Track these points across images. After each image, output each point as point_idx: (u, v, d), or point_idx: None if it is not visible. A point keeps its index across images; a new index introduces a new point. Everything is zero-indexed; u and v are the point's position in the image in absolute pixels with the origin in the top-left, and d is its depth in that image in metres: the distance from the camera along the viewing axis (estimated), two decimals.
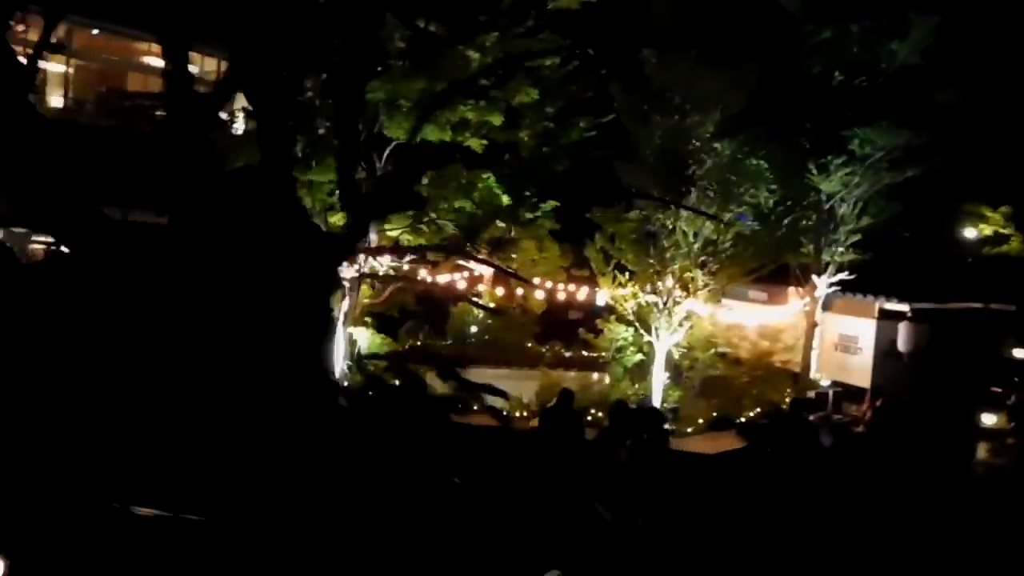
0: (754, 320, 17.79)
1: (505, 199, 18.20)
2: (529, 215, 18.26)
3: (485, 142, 13.56)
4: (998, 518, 12.44)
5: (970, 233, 22.42)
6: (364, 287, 14.14)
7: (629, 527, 9.47)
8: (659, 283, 12.46)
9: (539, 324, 18.79)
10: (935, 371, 16.06)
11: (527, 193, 18.55)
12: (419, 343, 18.39)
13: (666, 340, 12.81)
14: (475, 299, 18.51)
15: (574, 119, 18.53)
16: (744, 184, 13.53)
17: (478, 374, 16.41)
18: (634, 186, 12.60)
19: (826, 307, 16.93)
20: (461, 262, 17.88)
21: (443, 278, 16.44)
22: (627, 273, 12.95)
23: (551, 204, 17.91)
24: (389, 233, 13.77)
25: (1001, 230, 21.97)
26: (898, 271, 18.45)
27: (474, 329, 19.00)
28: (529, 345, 18.57)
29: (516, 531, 8.22)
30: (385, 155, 13.04)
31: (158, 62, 16.56)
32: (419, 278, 15.85)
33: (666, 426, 11.99)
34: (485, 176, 17.69)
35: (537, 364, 16.42)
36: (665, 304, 12.61)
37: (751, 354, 16.34)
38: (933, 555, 10.57)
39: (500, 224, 14.63)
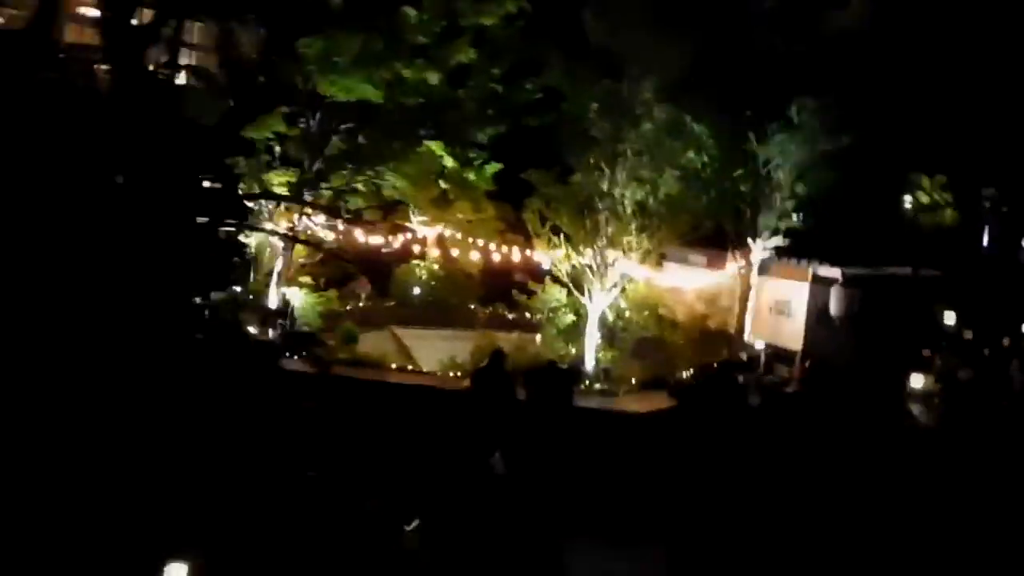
0: (693, 284, 18.08)
1: (449, 161, 18.16)
2: (473, 177, 18.23)
3: (423, 100, 13.40)
4: (920, 476, 12.96)
5: (908, 202, 22.89)
6: (299, 247, 14.01)
7: (521, 479, 9.73)
8: (593, 245, 12.54)
9: (483, 286, 18.84)
10: (865, 335, 16.48)
11: (472, 155, 18.52)
12: (361, 304, 18.38)
13: (599, 302, 12.95)
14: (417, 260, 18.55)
15: (520, 81, 18.45)
16: (681, 149, 13.66)
17: (419, 335, 16.56)
18: (569, 150, 12.62)
19: (763, 272, 17.21)
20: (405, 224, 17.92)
21: (382, 239, 16.37)
22: (562, 235, 13.02)
23: (495, 167, 17.87)
24: (325, 192, 13.62)
25: (936, 198, 22.47)
26: (836, 237, 18.83)
27: (418, 291, 18.98)
28: (472, 307, 18.65)
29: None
30: (318, 114, 12.84)
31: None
32: (358, 239, 15.75)
33: (579, 385, 12.23)
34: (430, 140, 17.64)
35: (477, 326, 16.50)
36: (598, 266, 12.72)
37: (687, 317, 16.61)
38: (851, 508, 10.99)
39: (442, 185, 14.50)
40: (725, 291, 17.28)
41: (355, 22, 12.12)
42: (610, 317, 13.80)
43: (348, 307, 17.60)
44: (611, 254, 12.71)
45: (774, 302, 17.18)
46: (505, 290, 18.86)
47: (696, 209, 13.07)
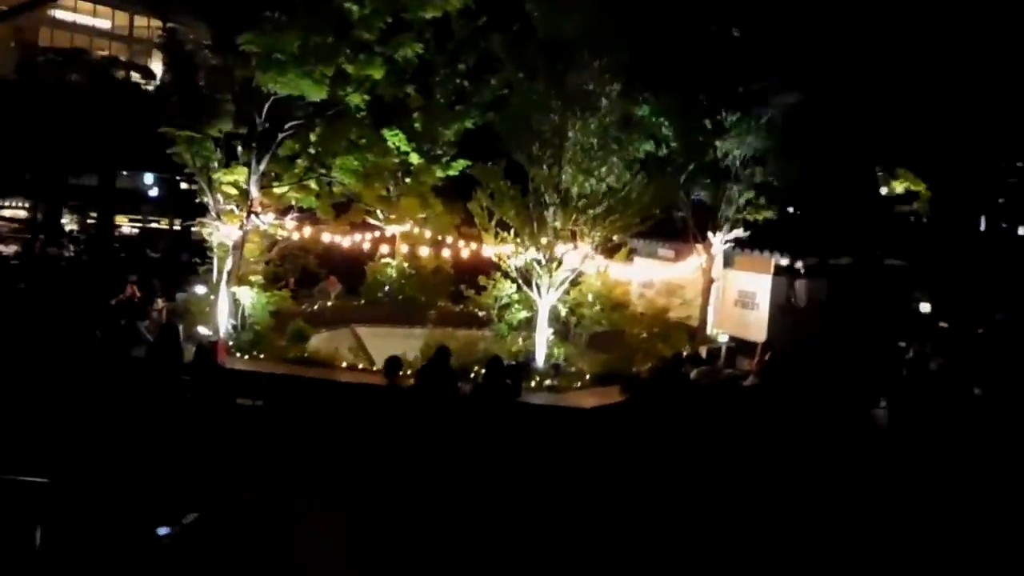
0: (660, 277, 17.99)
1: (415, 158, 18.09)
2: (442, 173, 18.15)
3: (368, 97, 13.32)
4: (875, 468, 12.86)
5: (883, 190, 22.78)
6: (252, 246, 13.97)
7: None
8: (540, 239, 12.44)
9: (453, 283, 18.75)
10: (831, 325, 16.36)
11: (439, 152, 18.44)
12: (330, 303, 18.33)
13: (549, 296, 12.86)
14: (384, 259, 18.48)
15: (486, 76, 18.37)
16: (635, 140, 13.54)
17: (378, 333, 16.50)
18: (515, 143, 12.53)
19: (727, 264, 17.12)
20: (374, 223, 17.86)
21: (346, 237, 16.31)
22: (511, 230, 12.93)
23: (463, 164, 17.79)
24: (276, 191, 13.56)
25: (912, 187, 22.34)
26: (804, 228, 18.69)
27: (388, 289, 18.91)
28: (441, 304, 18.56)
29: None
30: (265, 110, 12.77)
31: None
32: (321, 238, 15.68)
33: (528, 381, 12.14)
34: (392, 134, 17.56)
35: (439, 323, 16.43)
36: (547, 260, 12.62)
37: (648, 309, 16.53)
38: (797, 502, 10.89)
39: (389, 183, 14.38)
40: (690, 283, 17.19)
41: (294, 18, 11.99)
42: (563, 312, 13.71)
43: (315, 307, 17.57)
44: (560, 248, 12.59)
45: (738, 294, 17.10)
46: (474, 287, 18.82)
47: (650, 201, 12.89)
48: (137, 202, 38.33)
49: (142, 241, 34.66)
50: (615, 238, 13.61)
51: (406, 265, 18.53)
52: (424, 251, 15.65)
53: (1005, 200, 25.12)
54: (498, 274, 13.84)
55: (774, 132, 15.15)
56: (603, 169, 12.12)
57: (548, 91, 12.38)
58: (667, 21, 14.92)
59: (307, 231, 13.89)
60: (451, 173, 17.97)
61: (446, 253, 15.10)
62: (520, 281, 13.12)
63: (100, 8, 51.35)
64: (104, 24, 51.98)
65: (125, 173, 34.72)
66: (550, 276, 12.69)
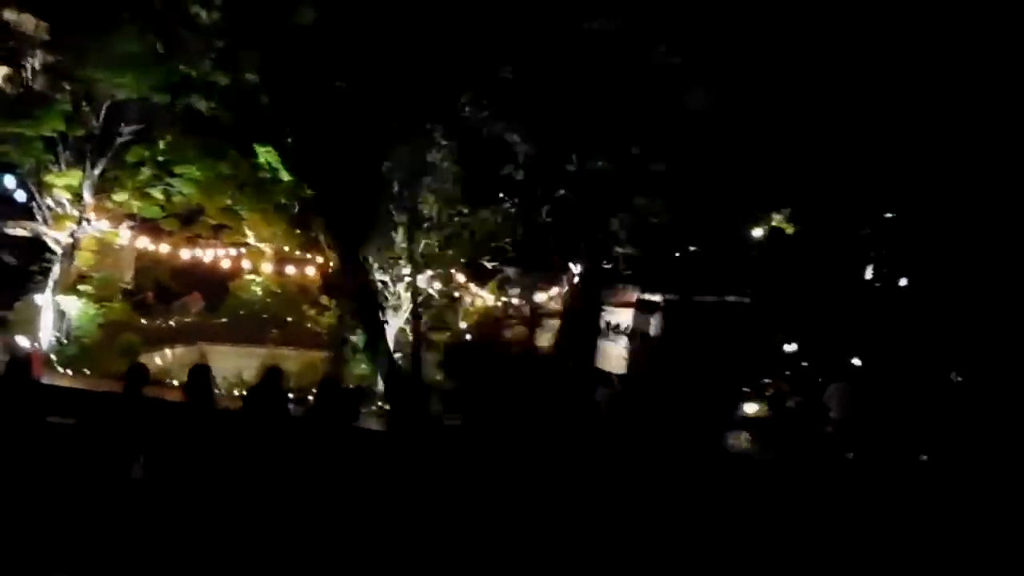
0: (531, 305, 17.94)
1: (286, 175, 17.57)
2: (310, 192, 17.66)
3: (213, 104, 12.83)
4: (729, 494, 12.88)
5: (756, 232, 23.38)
6: (87, 254, 13.22)
7: None
8: (382, 262, 12.17)
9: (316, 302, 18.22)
10: (688, 361, 16.53)
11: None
12: (189, 319, 17.60)
13: (395, 320, 12.56)
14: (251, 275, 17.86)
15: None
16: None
17: (226, 352, 15.86)
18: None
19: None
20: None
21: (207, 252, 15.69)
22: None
23: None
24: (116, 197, 12.90)
25: (785, 229, 22.97)
26: (672, 264, 18.96)
27: (252, 307, 18.25)
28: (308, 324, 17.99)
29: None
30: (103, 113, 12.16)
31: None
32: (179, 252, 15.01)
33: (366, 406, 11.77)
34: (264, 149, 17.01)
35: (287, 343, 15.90)
36: (392, 282, 12.35)
37: (516, 337, 16.45)
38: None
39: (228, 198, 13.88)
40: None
41: (136, 18, 11.49)
42: (411, 336, 13.43)
43: (171, 322, 16.83)
44: (405, 271, 12.34)
45: (604, 326, 17.18)
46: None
47: (499, 229, 12.79)
48: None
49: None
50: (490, 265, 13.50)
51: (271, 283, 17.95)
52: (290, 269, 15.12)
53: (886, 251, 26.09)
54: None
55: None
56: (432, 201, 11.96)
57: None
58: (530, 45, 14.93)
59: (144, 241, 13.22)
60: None
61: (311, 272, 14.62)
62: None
63: None
64: None
65: None
66: (396, 298, 12.40)
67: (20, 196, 12.51)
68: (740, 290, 18.32)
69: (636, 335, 16.42)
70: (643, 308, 16.49)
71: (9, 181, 13.20)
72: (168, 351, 14.85)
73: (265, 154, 16.74)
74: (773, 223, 22.95)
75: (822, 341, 21.01)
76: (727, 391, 16.88)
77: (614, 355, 16.66)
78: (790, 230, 23.29)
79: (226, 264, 14.71)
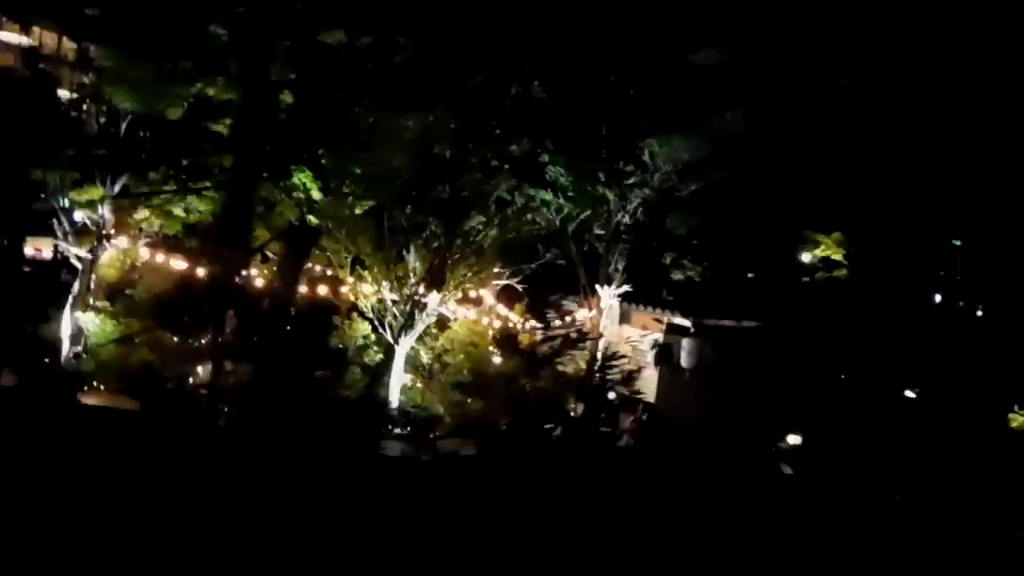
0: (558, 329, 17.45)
1: (317, 193, 17.53)
2: (347, 212, 17.58)
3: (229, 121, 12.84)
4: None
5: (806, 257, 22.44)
6: (111, 270, 13.30)
7: None
8: (395, 281, 11.90)
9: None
10: (720, 387, 15.76)
11: (346, 190, 17.90)
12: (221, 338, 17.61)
13: (406, 339, 12.27)
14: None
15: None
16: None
17: None
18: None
19: (624, 320, 16.73)
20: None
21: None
22: (368, 270, 12.41)
23: (368, 203, 17.26)
24: (137, 216, 13.00)
25: (832, 255, 21.98)
26: (713, 289, 18.23)
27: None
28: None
29: None
30: (124, 127, 12.27)
31: None
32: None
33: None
34: (298, 170, 17.02)
35: None
36: (405, 302, 12.06)
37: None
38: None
39: None
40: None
41: (154, 36, 11.59)
42: (425, 358, 13.11)
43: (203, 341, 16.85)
44: (421, 291, 12.06)
45: (632, 350, 16.60)
46: None
47: (516, 251, 12.46)
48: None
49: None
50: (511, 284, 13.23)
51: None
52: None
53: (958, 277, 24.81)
54: (355, 314, 13.18)
55: (666, 183, 14.85)
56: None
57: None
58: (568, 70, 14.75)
59: (175, 259, 13.25)
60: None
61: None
62: (376, 322, 12.53)
63: None
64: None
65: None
66: (408, 318, 12.11)
67: (45, 213, 12.66)
68: (783, 316, 17.51)
69: (665, 359, 15.81)
70: (674, 332, 15.88)
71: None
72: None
73: (298, 174, 16.83)
74: (821, 249, 22.03)
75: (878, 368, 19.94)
76: (772, 422, 16.09)
77: (642, 378, 16.08)
78: (838, 255, 22.33)
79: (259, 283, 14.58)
